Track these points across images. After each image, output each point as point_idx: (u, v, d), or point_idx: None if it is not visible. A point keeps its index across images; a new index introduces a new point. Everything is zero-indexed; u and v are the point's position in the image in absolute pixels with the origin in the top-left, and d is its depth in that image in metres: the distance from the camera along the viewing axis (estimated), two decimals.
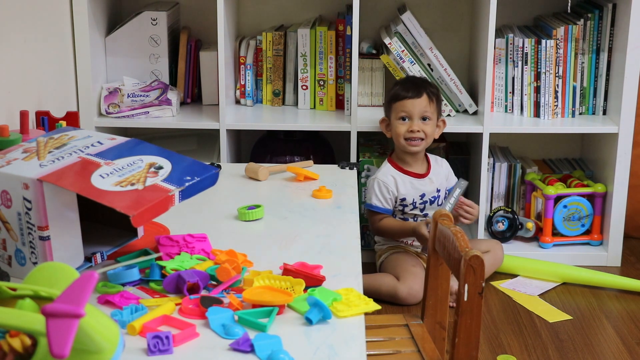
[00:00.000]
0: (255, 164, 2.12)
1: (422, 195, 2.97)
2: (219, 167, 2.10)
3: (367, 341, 1.34)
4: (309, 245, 1.67)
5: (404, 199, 2.96)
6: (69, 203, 1.48)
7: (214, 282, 1.48)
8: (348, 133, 3.06)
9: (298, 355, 1.23)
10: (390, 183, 2.94)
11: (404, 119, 2.90)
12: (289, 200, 1.94)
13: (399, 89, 2.93)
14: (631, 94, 3.03)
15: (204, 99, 3.26)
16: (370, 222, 3.02)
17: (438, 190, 3.00)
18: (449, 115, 3.16)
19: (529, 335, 2.69)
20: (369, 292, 2.81)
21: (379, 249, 3.06)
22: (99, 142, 1.58)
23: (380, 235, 3.02)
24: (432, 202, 2.99)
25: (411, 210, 2.98)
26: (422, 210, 2.99)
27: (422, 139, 2.91)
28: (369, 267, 3.03)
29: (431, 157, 3.04)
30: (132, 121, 3.05)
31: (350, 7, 3.05)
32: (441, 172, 3.03)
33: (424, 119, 2.90)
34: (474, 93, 3.22)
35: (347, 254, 1.63)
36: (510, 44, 3.13)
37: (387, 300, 2.86)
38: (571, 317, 2.81)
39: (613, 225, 3.14)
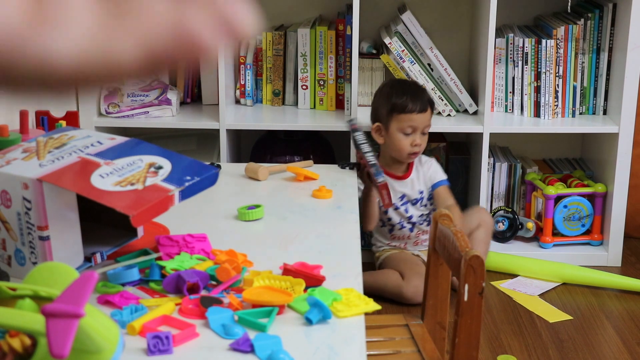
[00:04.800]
0: (255, 164, 2.12)
1: (402, 197, 2.95)
2: (219, 167, 2.09)
3: (367, 341, 1.34)
4: (309, 245, 1.66)
5: None
6: (69, 203, 1.48)
7: (214, 282, 1.48)
8: (348, 133, 3.05)
9: (298, 355, 1.23)
10: None
11: (406, 132, 2.83)
12: (289, 200, 1.94)
13: (407, 101, 2.82)
14: (631, 94, 3.03)
15: (204, 99, 3.26)
16: None
17: (421, 192, 2.96)
18: (449, 115, 3.16)
19: (529, 335, 2.68)
20: (373, 289, 2.82)
21: (377, 250, 3.06)
22: (98, 142, 1.58)
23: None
24: (414, 204, 2.96)
25: (394, 209, 2.95)
26: (406, 211, 2.96)
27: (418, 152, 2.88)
28: (368, 267, 3.03)
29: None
30: (132, 121, 3.05)
31: (350, 7, 3.05)
32: (423, 172, 2.97)
33: (423, 132, 2.85)
34: (474, 93, 3.22)
35: (347, 254, 1.63)
36: (511, 43, 3.13)
37: (391, 298, 2.86)
38: (571, 317, 2.80)
39: (613, 225, 3.14)
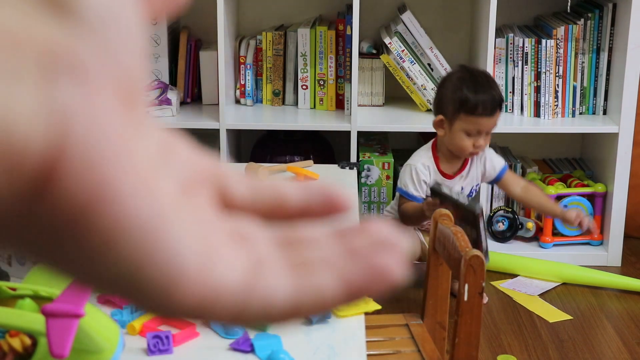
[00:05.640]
0: (255, 163, 2.12)
1: None
2: None
3: (367, 341, 1.34)
4: None
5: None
6: None
7: None
8: (348, 133, 3.06)
9: (298, 355, 1.23)
10: (427, 176, 2.78)
11: (470, 133, 2.67)
12: None
13: (478, 102, 2.61)
14: (631, 94, 3.03)
15: (204, 99, 3.26)
16: (398, 206, 2.86)
17: (470, 190, 2.86)
18: None
19: (529, 335, 2.69)
20: None
21: None
22: None
23: (401, 219, 2.83)
24: None
25: None
26: None
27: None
28: None
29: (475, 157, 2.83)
30: None
31: (350, 7, 3.05)
32: (476, 168, 2.83)
33: (487, 133, 2.71)
34: None
35: None
36: (511, 43, 3.13)
37: None
38: (571, 317, 2.80)
39: (613, 225, 3.14)
